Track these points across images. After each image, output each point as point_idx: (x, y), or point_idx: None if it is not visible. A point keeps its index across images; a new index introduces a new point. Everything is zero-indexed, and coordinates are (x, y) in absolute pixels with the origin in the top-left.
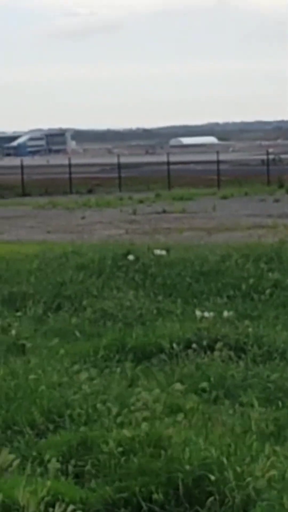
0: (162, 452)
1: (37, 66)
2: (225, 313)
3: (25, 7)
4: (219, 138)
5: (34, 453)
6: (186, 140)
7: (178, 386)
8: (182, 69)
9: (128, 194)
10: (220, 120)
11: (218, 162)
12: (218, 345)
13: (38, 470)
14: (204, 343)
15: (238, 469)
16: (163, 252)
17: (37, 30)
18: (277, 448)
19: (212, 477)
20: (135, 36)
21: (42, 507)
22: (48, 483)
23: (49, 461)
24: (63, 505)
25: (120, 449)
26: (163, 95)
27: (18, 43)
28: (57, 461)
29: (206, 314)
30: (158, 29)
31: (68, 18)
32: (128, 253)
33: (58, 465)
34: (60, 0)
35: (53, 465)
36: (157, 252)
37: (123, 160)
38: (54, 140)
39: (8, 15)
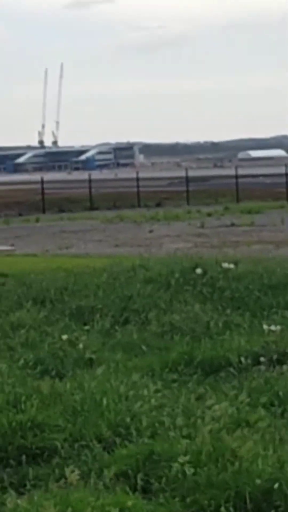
0: (230, 465)
1: (106, 80)
2: None
3: (94, 21)
4: None
5: (101, 467)
6: (255, 153)
7: (246, 399)
8: (250, 82)
9: (196, 208)
10: None
11: (287, 175)
12: None
13: (104, 484)
14: (272, 356)
15: None
16: (231, 266)
17: (106, 44)
18: None
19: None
20: (203, 49)
21: None
22: (117, 498)
23: (116, 476)
24: None
25: (188, 462)
26: (232, 108)
27: (87, 57)
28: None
29: (273, 327)
30: (226, 42)
31: (137, 32)
32: (196, 266)
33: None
34: (129, 14)
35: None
36: (225, 265)
37: (191, 173)
38: (122, 154)
39: (77, 30)
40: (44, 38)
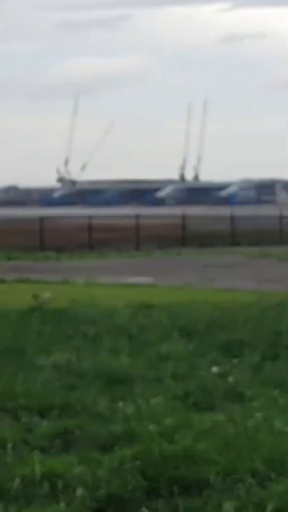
0: None
1: (251, 116)
2: None
3: (244, 57)
4: None
5: (257, 502)
6: None
7: None
8: None
9: None
10: None
11: None
12: None
13: None
14: None
15: None
16: None
17: (254, 80)
18: None
19: None
20: None
21: None
22: None
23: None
24: None
25: None
26: None
27: (234, 92)
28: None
29: None
30: None
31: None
32: None
33: None
34: (281, 49)
35: None
36: None
37: None
38: (263, 190)
39: (226, 65)
40: (193, 72)
